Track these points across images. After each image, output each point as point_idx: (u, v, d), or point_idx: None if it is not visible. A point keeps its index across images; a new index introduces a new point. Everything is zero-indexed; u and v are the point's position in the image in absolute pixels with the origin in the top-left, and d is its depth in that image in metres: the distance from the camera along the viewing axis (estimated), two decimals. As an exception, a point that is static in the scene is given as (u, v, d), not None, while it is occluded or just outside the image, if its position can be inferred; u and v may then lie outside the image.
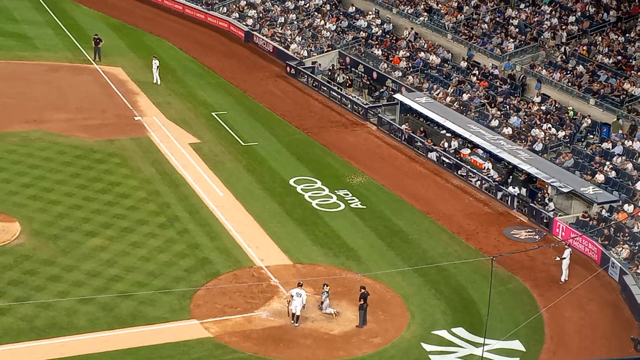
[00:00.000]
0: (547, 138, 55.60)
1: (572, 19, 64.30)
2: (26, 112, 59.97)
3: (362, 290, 40.13)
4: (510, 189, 52.20)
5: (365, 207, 50.65)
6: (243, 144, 57.96)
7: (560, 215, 49.72)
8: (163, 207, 48.92)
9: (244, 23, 78.47)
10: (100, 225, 46.46)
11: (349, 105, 64.69)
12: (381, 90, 65.54)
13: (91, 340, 37.66)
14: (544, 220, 49.43)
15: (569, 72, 59.76)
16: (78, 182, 50.76)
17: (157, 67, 66.73)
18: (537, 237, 48.68)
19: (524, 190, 52.19)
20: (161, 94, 64.99)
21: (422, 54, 67.58)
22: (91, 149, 55.25)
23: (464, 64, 65.11)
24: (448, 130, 57.88)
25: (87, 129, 58.08)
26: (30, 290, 40.53)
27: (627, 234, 46.45)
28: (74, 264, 42.90)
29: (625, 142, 52.83)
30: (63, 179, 51.09)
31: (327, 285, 40.73)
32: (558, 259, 44.49)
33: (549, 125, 56.43)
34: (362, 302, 39.91)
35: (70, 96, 63.48)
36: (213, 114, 62.33)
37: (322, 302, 40.51)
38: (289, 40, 73.94)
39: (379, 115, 62.41)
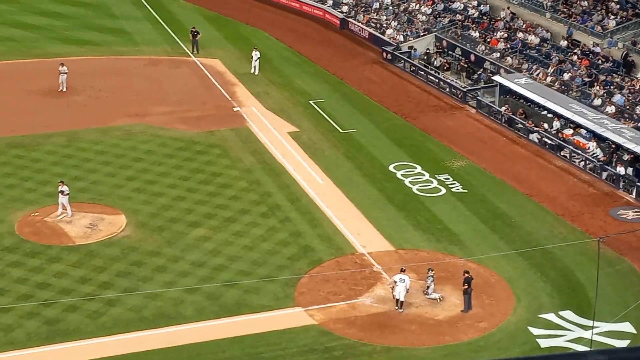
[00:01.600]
0: (652, 115, 54.26)
1: (675, -8, 62.60)
2: (128, 106, 61.00)
3: (466, 275, 39.74)
4: (616, 168, 51.05)
5: (466, 191, 50.15)
6: (341, 131, 57.94)
7: (668, 194, 48.50)
8: (264, 196, 49.24)
9: (339, 10, 78.41)
10: (203, 216, 47.00)
11: (447, 89, 64.12)
12: (479, 72, 64.76)
13: (198, 329, 38.13)
14: (652, 200, 48.29)
15: (673, 47, 58.20)
16: (180, 174, 51.44)
17: (258, 58, 67.08)
18: (644, 217, 47.57)
19: (630, 170, 50.98)
20: (259, 84, 65.39)
21: (520, 34, 66.56)
22: (192, 140, 55.91)
23: (563, 43, 63.89)
24: (549, 110, 56.90)
25: (187, 121, 58.80)
26: (138, 281, 41.24)
27: None
28: (179, 254, 43.49)
29: None
30: (166, 171, 51.83)
31: (432, 270, 40.47)
32: None
33: (654, 102, 55.08)
34: (466, 287, 39.53)
35: (169, 89, 64.34)
36: (311, 102, 62.46)
37: (427, 287, 40.25)
38: (384, 25, 73.63)
39: (478, 98, 61.70)
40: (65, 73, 62.48)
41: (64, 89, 62.70)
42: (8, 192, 48.74)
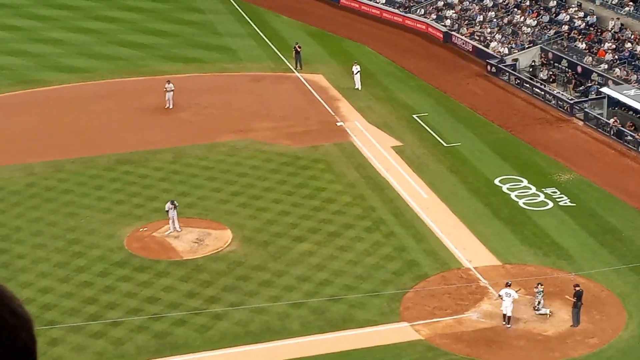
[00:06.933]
0: None
1: None
2: (233, 122, 61.60)
3: (577, 289, 38.94)
4: None
5: (574, 204, 49.19)
6: (445, 145, 57.48)
7: None
8: (368, 210, 49.13)
9: (442, 24, 78.00)
10: (307, 230, 47.13)
11: (553, 102, 63.09)
12: (588, 85, 63.56)
13: (304, 343, 38.24)
14: None
15: None
16: (285, 189, 51.70)
17: (359, 72, 67.06)
18: None
19: None
20: (362, 99, 65.37)
21: (628, 45, 65.18)
22: (296, 155, 56.16)
23: (674, 53, 62.36)
24: (660, 122, 55.56)
25: (291, 136, 59.10)
26: (244, 295, 41.54)
27: None
28: (284, 269, 43.67)
29: None
30: (270, 186, 52.16)
31: (541, 285, 39.73)
32: None
33: None
34: (576, 300, 38.71)
35: (273, 105, 64.78)
36: (414, 116, 62.15)
37: (538, 302, 39.50)
38: (488, 38, 72.95)
39: (586, 110, 60.57)
40: (172, 90, 63.49)
41: (171, 106, 63.72)
42: (117, 208, 49.67)
